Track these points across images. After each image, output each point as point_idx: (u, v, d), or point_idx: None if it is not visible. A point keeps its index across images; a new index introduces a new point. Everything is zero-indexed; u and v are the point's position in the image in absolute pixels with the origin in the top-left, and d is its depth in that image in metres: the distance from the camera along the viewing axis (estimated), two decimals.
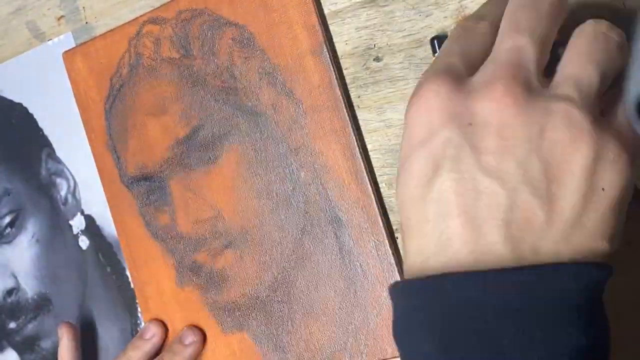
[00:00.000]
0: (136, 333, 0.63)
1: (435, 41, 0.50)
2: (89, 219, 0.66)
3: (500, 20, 0.39)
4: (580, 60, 0.37)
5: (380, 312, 0.54)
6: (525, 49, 0.36)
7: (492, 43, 0.38)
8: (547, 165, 0.34)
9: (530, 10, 0.38)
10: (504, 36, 0.38)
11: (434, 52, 0.50)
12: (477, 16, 0.41)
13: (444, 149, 0.35)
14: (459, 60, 0.38)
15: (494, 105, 0.35)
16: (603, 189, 0.35)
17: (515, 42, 0.37)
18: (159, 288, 0.61)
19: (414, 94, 0.37)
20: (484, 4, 0.42)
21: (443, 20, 0.51)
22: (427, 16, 0.52)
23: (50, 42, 0.66)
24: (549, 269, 0.33)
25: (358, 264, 0.54)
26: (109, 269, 0.65)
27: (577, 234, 0.34)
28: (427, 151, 0.36)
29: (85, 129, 0.63)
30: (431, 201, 0.35)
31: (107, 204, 0.63)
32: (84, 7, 0.64)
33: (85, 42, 0.63)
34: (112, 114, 0.62)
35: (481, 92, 0.35)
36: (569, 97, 0.35)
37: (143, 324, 0.63)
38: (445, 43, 0.40)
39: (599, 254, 0.35)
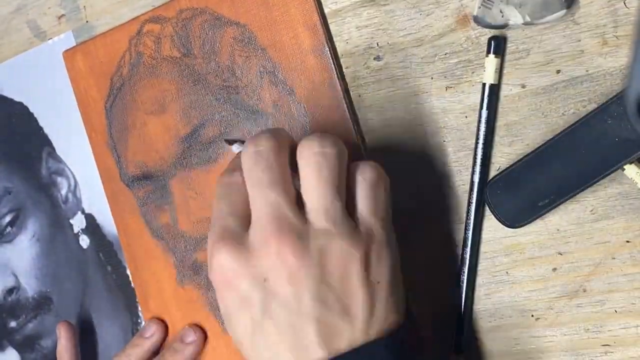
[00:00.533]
0: (136, 332, 0.63)
1: (492, 42, 0.50)
2: (90, 218, 0.66)
3: None
4: (317, 190, 0.44)
5: None
6: (277, 201, 0.44)
7: None
8: (335, 289, 0.43)
9: (261, 162, 0.45)
10: (253, 193, 0.45)
11: (488, 52, 0.50)
12: (231, 169, 0.47)
13: (255, 305, 0.44)
14: (232, 221, 0.45)
15: (277, 259, 0.43)
16: (378, 282, 0.44)
17: (266, 198, 0.44)
18: (160, 287, 0.61)
19: (210, 265, 0.45)
20: (235, 156, 0.49)
21: (444, 19, 0.51)
22: (427, 15, 0.52)
23: (50, 41, 0.66)
24: (364, 349, 0.43)
25: None
26: (109, 268, 0.65)
27: (374, 321, 0.44)
28: (244, 311, 0.44)
29: (85, 128, 0.63)
30: (260, 341, 0.44)
31: (107, 202, 0.63)
32: (84, 6, 0.64)
33: (85, 41, 0.63)
34: (112, 113, 0.62)
35: (262, 251, 0.43)
36: (328, 231, 0.44)
37: (143, 322, 0.63)
38: (215, 203, 0.46)
39: (394, 323, 0.45)
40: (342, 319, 0.43)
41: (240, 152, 0.48)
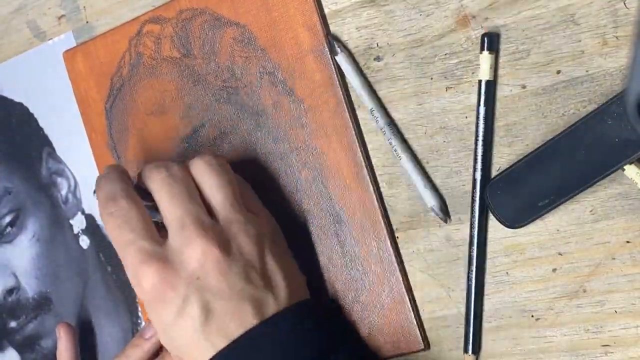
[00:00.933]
0: (136, 332, 0.63)
1: (485, 38, 0.49)
2: (90, 218, 0.66)
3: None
4: (219, 191, 0.51)
5: (381, 311, 0.54)
6: (195, 209, 0.50)
7: (142, 207, 0.51)
8: (257, 268, 0.50)
9: (176, 181, 0.51)
10: (171, 206, 0.50)
11: (482, 48, 0.50)
12: (108, 199, 0.50)
13: (194, 305, 0.48)
14: (145, 242, 0.49)
15: (203, 256, 0.48)
16: (283, 256, 0.53)
17: (185, 208, 0.50)
18: None
19: (141, 289, 0.49)
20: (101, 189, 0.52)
21: (443, 20, 0.51)
22: (427, 16, 0.52)
23: (50, 41, 0.66)
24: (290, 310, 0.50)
25: (359, 263, 0.54)
26: (109, 269, 0.65)
27: (293, 290, 0.51)
28: (184, 318, 0.48)
29: (85, 128, 0.63)
30: (207, 334, 0.49)
31: None
32: (84, 7, 0.64)
33: (85, 42, 0.63)
34: (112, 114, 0.62)
35: (187, 254, 0.48)
36: (237, 220, 0.51)
37: (143, 323, 0.63)
38: (115, 235, 0.50)
39: (304, 294, 0.53)
40: (267, 291, 0.49)
41: (100, 181, 0.52)
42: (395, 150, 0.52)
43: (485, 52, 0.50)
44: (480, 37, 0.50)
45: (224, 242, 0.49)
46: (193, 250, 0.48)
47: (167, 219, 0.50)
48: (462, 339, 0.52)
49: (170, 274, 0.48)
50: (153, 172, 0.51)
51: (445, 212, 0.52)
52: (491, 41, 0.50)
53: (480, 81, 0.50)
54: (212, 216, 0.51)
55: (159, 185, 0.51)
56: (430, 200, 0.52)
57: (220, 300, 0.48)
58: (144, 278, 0.48)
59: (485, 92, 0.50)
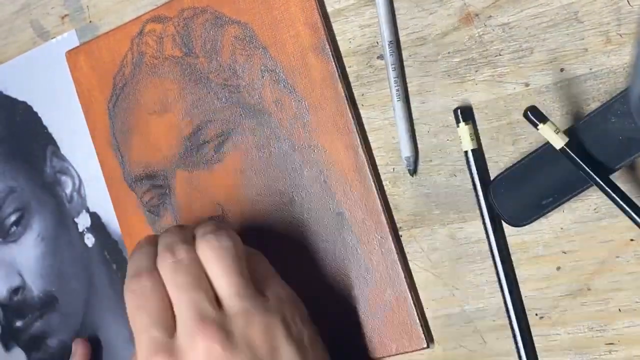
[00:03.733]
0: None
1: (459, 111, 0.51)
2: (95, 217, 0.66)
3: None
4: (225, 279, 0.48)
5: (384, 309, 0.54)
6: (199, 300, 0.47)
7: (164, 289, 0.48)
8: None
9: (181, 269, 0.48)
10: (177, 297, 0.48)
11: (457, 121, 0.51)
12: (134, 275, 0.49)
13: None
14: (158, 331, 0.47)
15: (207, 355, 0.46)
16: (301, 338, 0.49)
17: (189, 300, 0.47)
18: None
19: None
20: (130, 261, 0.51)
21: (447, 18, 0.51)
22: (430, 14, 0.52)
23: (54, 40, 0.66)
24: None
25: (362, 261, 0.54)
26: (114, 266, 0.66)
27: None
28: None
29: (88, 128, 0.63)
30: None
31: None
32: (87, 6, 0.64)
33: (88, 42, 0.63)
34: (115, 113, 0.62)
35: (192, 353, 0.46)
36: (246, 312, 0.47)
37: None
38: (133, 314, 0.48)
39: None
40: None
41: (133, 254, 0.51)
42: (398, 90, 0.52)
43: (462, 124, 0.50)
44: (453, 111, 0.51)
45: (227, 337, 0.47)
46: (197, 349, 0.46)
47: (175, 309, 0.48)
48: (466, 338, 0.52)
49: None
50: (160, 258, 0.50)
51: (415, 166, 0.52)
52: (464, 113, 0.50)
53: (466, 152, 0.51)
54: (220, 305, 0.48)
55: (165, 273, 0.49)
56: (406, 151, 0.52)
57: None
58: None
59: (474, 160, 0.51)
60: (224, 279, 0.48)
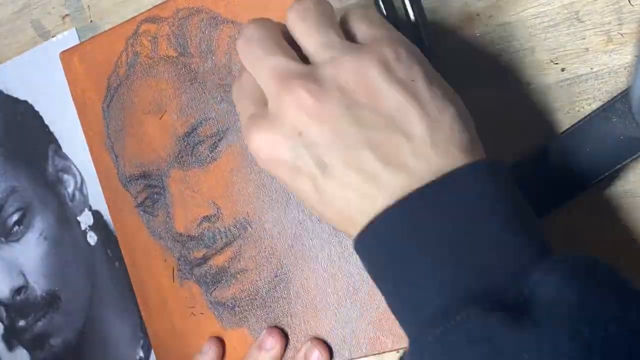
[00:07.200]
0: (145, 328, 0.64)
1: (380, 1, 0.49)
2: (97, 215, 0.66)
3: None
4: (308, 32, 0.43)
5: (380, 306, 0.54)
6: (276, 62, 0.43)
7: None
8: (366, 105, 0.40)
9: (253, 42, 0.44)
10: (256, 71, 0.44)
11: (380, 12, 0.48)
12: (237, 76, 0.47)
13: (306, 161, 0.42)
14: (252, 107, 0.44)
15: (298, 109, 0.41)
16: (412, 80, 0.41)
17: (267, 66, 0.43)
18: (158, 286, 0.61)
19: (255, 155, 0.44)
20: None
21: (448, 18, 0.51)
22: (432, 13, 0.52)
23: (54, 38, 0.66)
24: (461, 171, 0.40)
25: (357, 258, 0.54)
26: (117, 264, 0.66)
27: (435, 127, 0.40)
28: (300, 177, 0.42)
29: (83, 128, 0.63)
30: (329, 195, 0.42)
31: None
32: (88, 6, 0.64)
33: (82, 42, 0.63)
34: (110, 113, 0.62)
35: (283, 111, 0.42)
36: (333, 58, 0.41)
37: (145, 322, 0.63)
38: (237, 105, 0.46)
39: (469, 145, 0.41)
40: (390, 130, 0.40)
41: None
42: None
43: None
44: None
45: (314, 83, 0.41)
46: (285, 106, 0.42)
47: (258, 82, 0.45)
48: None
49: (274, 137, 0.42)
50: (239, 42, 0.46)
51: None
52: None
53: None
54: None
55: (239, 51, 0.46)
56: None
57: (331, 153, 0.41)
58: (250, 142, 0.44)
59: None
60: (308, 37, 0.43)
